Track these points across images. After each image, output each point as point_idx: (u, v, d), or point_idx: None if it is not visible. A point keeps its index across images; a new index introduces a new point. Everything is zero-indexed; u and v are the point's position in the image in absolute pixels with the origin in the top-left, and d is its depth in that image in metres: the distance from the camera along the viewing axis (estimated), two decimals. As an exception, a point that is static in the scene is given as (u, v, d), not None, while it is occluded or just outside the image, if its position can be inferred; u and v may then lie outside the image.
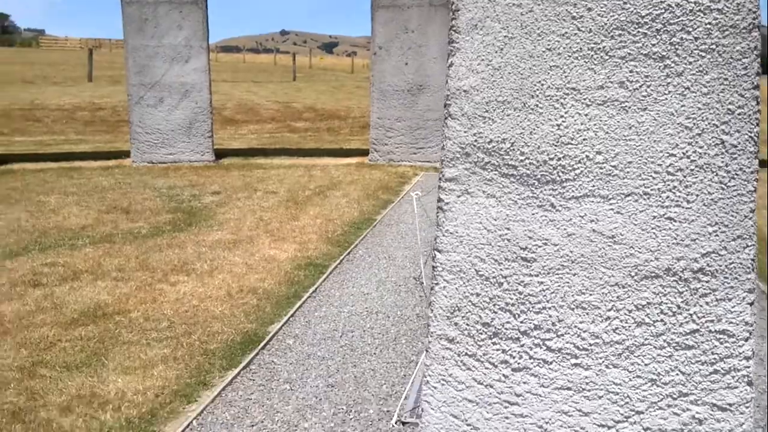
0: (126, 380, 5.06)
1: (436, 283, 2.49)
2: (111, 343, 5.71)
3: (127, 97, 14.73)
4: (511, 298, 2.41)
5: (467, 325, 2.49)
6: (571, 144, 2.29)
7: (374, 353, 5.71)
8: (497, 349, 2.46)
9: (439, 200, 2.45)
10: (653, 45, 2.19)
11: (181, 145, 14.83)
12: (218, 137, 16.33)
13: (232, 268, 7.72)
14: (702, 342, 2.27)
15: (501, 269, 2.41)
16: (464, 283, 2.46)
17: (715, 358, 2.26)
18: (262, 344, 5.77)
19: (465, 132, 2.39)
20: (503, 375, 2.46)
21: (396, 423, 4.58)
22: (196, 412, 4.66)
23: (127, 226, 9.59)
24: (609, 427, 2.37)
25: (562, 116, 2.28)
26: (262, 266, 7.82)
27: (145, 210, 10.53)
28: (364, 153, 16.03)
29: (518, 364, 2.44)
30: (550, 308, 2.37)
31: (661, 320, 2.29)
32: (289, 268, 7.79)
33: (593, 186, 2.29)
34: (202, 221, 9.90)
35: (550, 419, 2.41)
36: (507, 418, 2.45)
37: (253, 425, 4.56)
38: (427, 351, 2.55)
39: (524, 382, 2.44)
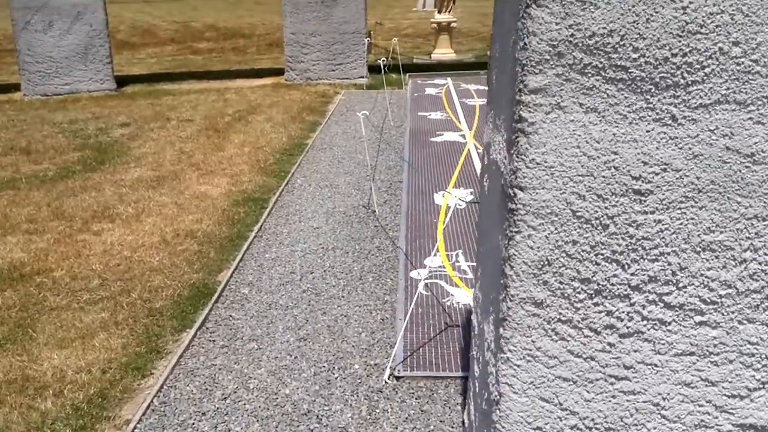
0: (63, 356, 4.29)
1: (517, 231, 1.88)
2: (36, 310, 4.88)
3: (11, 22, 13.07)
4: (619, 244, 1.84)
5: (561, 283, 1.91)
6: (700, 33, 1.68)
7: (342, 296, 5.12)
8: (600, 311, 1.90)
9: (519, 120, 1.82)
10: None
11: (78, 74, 13.39)
12: (115, 63, 14.87)
13: (162, 210, 6.87)
14: None
15: (606, 207, 1.82)
16: (557, 228, 1.87)
17: None
18: (215, 297, 5.07)
19: (557, 24, 1.74)
20: (608, 344, 1.91)
21: (389, 378, 4.05)
22: (155, 388, 3.97)
23: (31, 168, 8.48)
24: (742, 397, 1.88)
25: (687, -4, 1.66)
26: (195, 205, 7.00)
27: (48, 149, 9.37)
28: (279, 72, 15.02)
29: (628, 328, 1.90)
30: (669, 253, 1.82)
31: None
32: (225, 205, 7.01)
33: (728, 89, 1.70)
34: (115, 158, 8.87)
35: (667, 394, 1.89)
36: (614, 397, 1.92)
37: (225, 397, 3.92)
38: (504, 320, 1.96)
39: (635, 351, 1.90)
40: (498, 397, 2.01)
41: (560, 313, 1.92)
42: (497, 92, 2.32)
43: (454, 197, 7.05)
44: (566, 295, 1.91)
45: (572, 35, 1.73)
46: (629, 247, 1.83)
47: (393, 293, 5.13)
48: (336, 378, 4.09)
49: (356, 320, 4.76)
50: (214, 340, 4.53)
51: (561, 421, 1.99)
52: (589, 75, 1.75)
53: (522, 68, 1.78)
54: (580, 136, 1.79)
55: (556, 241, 1.87)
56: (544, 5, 1.73)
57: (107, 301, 5.00)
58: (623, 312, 1.88)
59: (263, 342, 4.50)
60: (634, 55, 1.72)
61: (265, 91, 13.30)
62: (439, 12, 17.19)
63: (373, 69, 14.64)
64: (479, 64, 16.75)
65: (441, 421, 3.66)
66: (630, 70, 1.73)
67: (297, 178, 7.99)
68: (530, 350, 1.95)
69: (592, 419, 1.99)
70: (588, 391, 1.97)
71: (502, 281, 1.96)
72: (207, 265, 5.62)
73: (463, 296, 4.97)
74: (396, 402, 3.84)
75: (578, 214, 1.84)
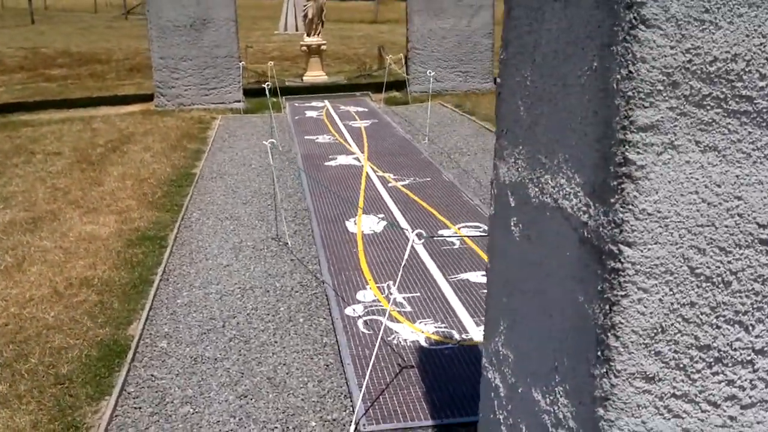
0: (-43, 445, 3.58)
1: (624, 295, 1.60)
2: None
3: None
4: (743, 303, 1.61)
5: (676, 352, 1.64)
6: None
7: (274, 342, 4.67)
8: (720, 381, 1.65)
9: (624, 162, 1.54)
10: None
11: None
12: (-42, 92, 13.41)
13: (45, 256, 6.09)
14: None
15: (729, 261, 1.58)
16: (672, 289, 1.60)
17: None
18: (130, 355, 4.47)
19: (672, 48, 1.48)
20: (729, 417, 1.67)
21: (354, 433, 3.67)
22: (84, 473, 3.37)
23: None
24: None
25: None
26: (84, 248, 6.27)
27: None
28: (146, 98, 14.13)
29: (750, 398, 1.66)
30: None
31: None
32: (119, 247, 6.32)
33: None
34: (-24, 199, 7.86)
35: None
36: (732, 472, 1.67)
37: (171, 476, 3.39)
38: (606, 399, 1.67)
39: (758, 422, 1.67)
40: None
41: (674, 387, 1.66)
42: (529, 123, 2.04)
43: (377, 222, 6.75)
44: (682, 365, 1.64)
45: (689, 61, 1.48)
46: (754, 306, 1.60)
47: (330, 334, 4.74)
48: (293, 439, 3.65)
49: (298, 368, 4.33)
50: (140, 407, 3.95)
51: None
52: (708, 108, 1.51)
53: (627, 101, 1.51)
54: (697, 179, 1.53)
55: (672, 304, 1.60)
56: (656, 26, 1.46)
57: (1, 369, 4.28)
58: (746, 380, 1.64)
59: (198, 404, 3.98)
60: (761, 83, 1.49)
61: (136, 119, 12.43)
62: (308, 35, 16.90)
63: (247, 93, 14.12)
64: (352, 86, 16.59)
65: (422, 478, 3.32)
66: (756, 101, 1.50)
67: (192, 212, 7.40)
68: (639, 432, 1.67)
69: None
70: (702, 468, 1.72)
71: (599, 353, 1.67)
72: (113, 318, 4.98)
73: (407, 332, 4.66)
74: (367, 461, 3.47)
75: (697, 271, 1.59)
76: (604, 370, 1.65)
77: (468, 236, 6.45)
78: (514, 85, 2.14)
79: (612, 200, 1.58)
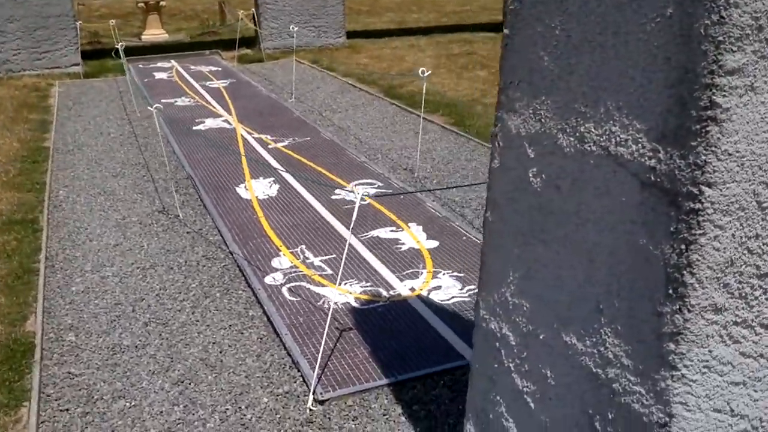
0: None
1: (702, 233, 1.60)
2: None
3: None
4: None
5: (740, 283, 1.68)
6: None
7: (196, 321, 4.40)
8: (774, 305, 1.71)
9: (710, 106, 1.52)
10: None
11: None
12: None
13: None
14: None
15: (794, 192, 1.62)
16: (742, 225, 1.62)
17: None
18: (37, 353, 4.04)
19: (763, -10, 1.47)
20: (779, 337, 1.74)
21: (313, 405, 3.53)
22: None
23: None
24: None
25: None
26: (-56, 240, 5.56)
27: None
28: (-34, 67, 12.68)
29: (801, 319, 1.73)
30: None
31: None
32: (-14, 235, 5.67)
33: None
34: None
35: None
36: (782, 392, 1.76)
37: (128, 478, 3.11)
38: (678, 333, 1.68)
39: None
40: (667, 419, 1.73)
41: (736, 315, 1.70)
42: (558, 73, 1.99)
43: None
44: (743, 294, 1.68)
45: (774, 3, 1.48)
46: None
47: (254, 306, 4.53)
48: (251, 419, 3.47)
49: (230, 345, 4.11)
50: (66, 408, 3.59)
51: (732, 428, 1.78)
52: (790, 50, 1.51)
53: (717, 46, 1.48)
54: (772, 119, 1.55)
55: (741, 238, 1.63)
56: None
57: None
58: (799, 302, 1.71)
59: (132, 396, 3.67)
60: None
61: (-41, 90, 11.14)
62: (145, -10, 15.86)
63: (83, 55, 13.07)
64: (198, 44, 15.84)
65: (375, 428, 3.28)
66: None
67: (58, 190, 6.77)
68: (707, 361, 1.70)
69: (760, 418, 1.81)
70: (756, 390, 1.78)
71: (670, 291, 1.67)
72: (5, 315, 4.47)
73: (335, 295, 4.55)
74: (334, 430, 3.36)
75: (764, 205, 1.62)
76: (677, 307, 1.66)
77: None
78: (533, 36, 2.06)
79: (693, 143, 1.56)
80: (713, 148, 1.54)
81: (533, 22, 2.05)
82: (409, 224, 5.65)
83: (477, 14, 20.43)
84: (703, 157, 1.55)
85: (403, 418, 3.40)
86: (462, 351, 3.88)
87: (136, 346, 4.12)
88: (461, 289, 4.56)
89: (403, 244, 5.30)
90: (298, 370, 3.81)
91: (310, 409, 3.48)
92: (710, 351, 1.69)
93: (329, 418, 3.44)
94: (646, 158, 1.70)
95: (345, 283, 4.70)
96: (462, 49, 14.11)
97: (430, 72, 6.87)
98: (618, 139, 1.79)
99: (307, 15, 14.27)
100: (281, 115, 9.45)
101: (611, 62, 1.77)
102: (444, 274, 4.79)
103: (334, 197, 6.31)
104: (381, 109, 9.74)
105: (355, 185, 6.57)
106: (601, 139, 1.86)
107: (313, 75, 12.01)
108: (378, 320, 4.23)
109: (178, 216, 6.02)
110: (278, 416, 3.47)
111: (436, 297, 4.48)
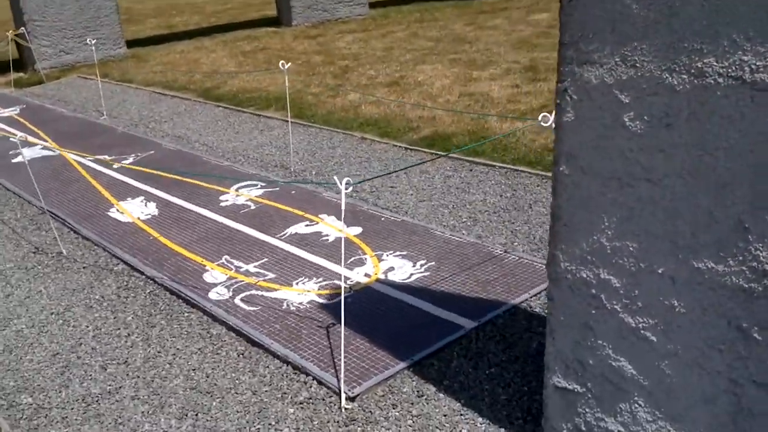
0: None
1: None
2: None
3: None
4: None
5: None
6: None
7: (158, 354, 4.08)
8: None
9: None
10: None
11: None
12: None
13: None
14: None
15: None
16: None
17: None
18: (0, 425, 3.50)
19: None
20: None
21: (347, 403, 3.46)
22: None
23: None
24: None
25: None
26: None
27: None
28: None
29: None
30: None
31: None
32: None
33: None
34: None
35: None
36: None
37: None
38: None
39: None
40: None
41: None
42: (654, 18, 2.18)
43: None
44: None
45: None
46: None
47: (214, 324, 4.28)
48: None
49: (213, 368, 3.87)
50: (75, 474, 3.18)
51: None
52: None
53: None
54: None
55: None
56: None
57: None
58: None
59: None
60: None
61: None
62: None
63: None
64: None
65: (444, 415, 3.33)
66: None
67: None
68: None
69: None
70: None
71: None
72: None
73: (295, 296, 4.43)
74: (381, 421, 3.33)
75: None
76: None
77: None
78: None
79: None
80: None
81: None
82: (320, 216, 5.61)
83: (243, 12, 20.25)
84: None
85: (441, 395, 3.45)
86: (453, 320, 4.01)
87: (110, 392, 3.72)
88: (414, 266, 4.67)
89: (327, 236, 5.26)
90: (307, 374, 3.69)
91: (345, 408, 3.41)
92: None
93: (370, 411, 3.40)
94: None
95: (296, 283, 4.59)
96: (253, 45, 13.97)
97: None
98: (753, 66, 2.02)
99: (81, 28, 13.27)
100: (105, 133, 8.77)
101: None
102: (388, 255, 4.85)
103: (223, 204, 6.06)
104: (208, 112, 9.41)
105: (238, 188, 6.35)
106: (730, 70, 2.08)
107: (111, 89, 11.22)
108: (355, 310, 4.20)
109: (62, 253, 5.43)
110: (315, 423, 3.36)
111: (395, 277, 4.55)
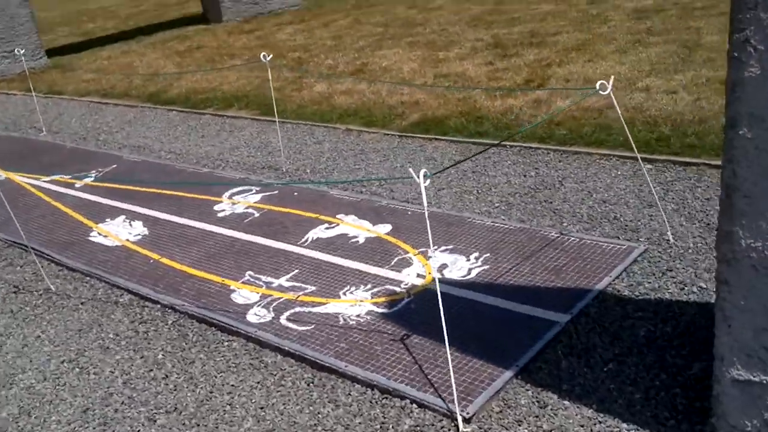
0: None
1: None
2: None
3: None
4: None
5: None
6: None
7: (206, 394, 3.50)
8: None
9: None
10: None
11: None
12: None
13: None
14: None
15: None
16: None
17: None
18: None
19: None
20: None
21: (466, 424, 3.00)
22: None
23: None
24: None
25: None
26: None
27: None
28: None
29: None
30: None
31: None
32: None
33: None
34: None
35: None
36: None
37: None
38: None
39: None
40: None
41: None
42: None
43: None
44: None
45: None
46: None
47: (265, 351, 3.73)
48: (411, 469, 2.83)
49: (284, 403, 3.33)
50: None
51: None
52: None
53: None
54: None
55: None
56: None
57: None
58: None
59: (233, 506, 2.78)
60: None
61: None
62: None
63: None
64: None
65: (581, 426, 2.91)
66: None
67: None
68: None
69: None
70: None
71: None
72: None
73: (346, 308, 3.93)
74: (511, 442, 2.89)
75: None
76: None
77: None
78: None
79: None
80: None
81: None
82: (338, 216, 5.10)
83: (160, 12, 19.24)
84: None
85: (566, 402, 3.03)
86: (541, 316, 3.60)
87: (171, 447, 3.14)
88: (468, 260, 4.23)
89: (355, 237, 4.76)
90: (402, 398, 3.20)
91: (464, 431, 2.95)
92: None
93: (487, 427, 2.94)
94: None
95: (344, 293, 4.08)
96: (186, 45, 13.17)
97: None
98: None
99: (-6, 40, 12.17)
100: (51, 151, 7.94)
101: None
102: (433, 250, 4.39)
103: (221, 214, 5.46)
104: (161, 117, 8.69)
105: (231, 195, 5.75)
106: None
107: (44, 104, 10.28)
108: (424, 316, 3.73)
109: (50, 289, 4.73)
110: (436, 452, 2.88)
111: (453, 275, 4.10)
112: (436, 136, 6.40)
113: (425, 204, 3.00)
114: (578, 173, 5.24)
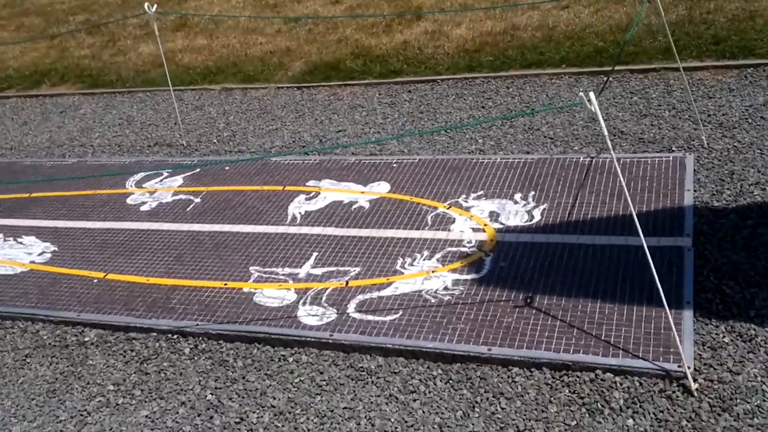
0: None
1: None
2: None
3: None
4: None
5: None
6: None
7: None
8: None
9: None
10: None
11: None
12: None
13: None
14: None
15: None
16: None
17: None
18: None
19: None
20: None
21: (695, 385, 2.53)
22: None
23: None
24: None
25: None
26: None
27: None
28: None
29: None
30: None
31: None
32: None
33: None
34: None
35: None
36: None
37: None
38: None
39: None
40: None
41: None
42: None
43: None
44: None
45: None
46: None
47: (352, 356, 2.93)
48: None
49: (444, 409, 2.61)
50: None
51: None
52: None
53: None
54: None
55: None
56: None
57: None
58: None
59: None
60: None
61: None
62: None
63: None
64: None
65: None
66: None
67: None
68: None
69: None
70: None
71: None
72: None
73: (421, 284, 3.22)
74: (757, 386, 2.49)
75: None
76: None
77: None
78: None
79: None
80: None
81: None
82: (308, 183, 4.24)
83: None
84: None
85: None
86: (663, 244, 3.20)
87: None
88: (517, 203, 3.69)
89: (355, 202, 3.98)
90: (586, 370, 2.64)
91: (697, 390, 2.48)
92: None
93: (725, 381, 2.51)
94: None
95: (404, 268, 3.34)
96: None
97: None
98: None
99: None
100: None
101: None
102: (468, 200, 3.79)
103: (144, 208, 4.32)
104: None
105: (139, 184, 4.57)
106: None
107: None
108: (523, 271, 3.16)
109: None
110: (677, 417, 2.39)
111: (513, 221, 3.54)
112: (348, 82, 5.65)
113: (603, 126, 2.39)
114: (576, 94, 4.87)
